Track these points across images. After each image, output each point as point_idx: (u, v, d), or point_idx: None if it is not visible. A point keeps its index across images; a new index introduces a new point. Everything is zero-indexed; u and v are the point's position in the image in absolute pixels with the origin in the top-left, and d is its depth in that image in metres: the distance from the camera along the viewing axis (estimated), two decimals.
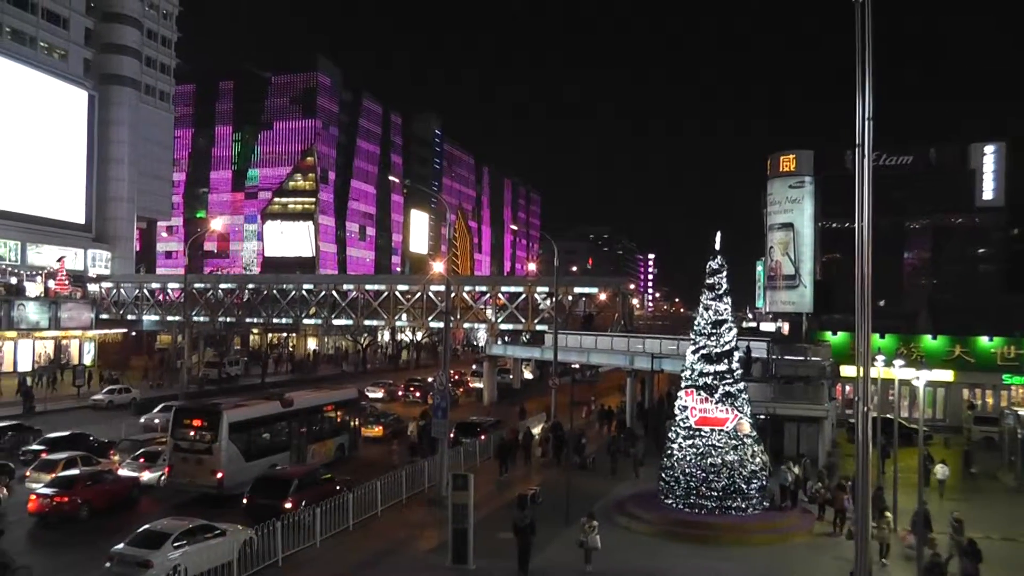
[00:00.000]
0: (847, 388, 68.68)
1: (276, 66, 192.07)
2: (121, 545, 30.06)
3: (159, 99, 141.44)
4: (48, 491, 38.51)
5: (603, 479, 48.43)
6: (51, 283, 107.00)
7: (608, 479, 48.59)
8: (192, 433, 43.83)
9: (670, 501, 38.92)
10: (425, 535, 36.86)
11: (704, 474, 37.84)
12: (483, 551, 32.55)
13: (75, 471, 41.54)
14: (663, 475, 39.69)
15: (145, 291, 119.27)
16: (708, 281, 40.16)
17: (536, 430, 60.95)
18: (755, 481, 38.03)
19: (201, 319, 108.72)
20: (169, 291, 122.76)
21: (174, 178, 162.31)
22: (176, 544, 29.84)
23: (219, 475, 42.36)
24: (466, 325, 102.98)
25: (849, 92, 20.49)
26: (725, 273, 40.13)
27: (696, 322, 40.33)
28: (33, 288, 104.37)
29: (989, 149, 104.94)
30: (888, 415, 45.49)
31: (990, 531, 33.61)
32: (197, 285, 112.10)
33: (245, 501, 38.12)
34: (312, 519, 34.33)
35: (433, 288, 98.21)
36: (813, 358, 60.92)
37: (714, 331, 39.04)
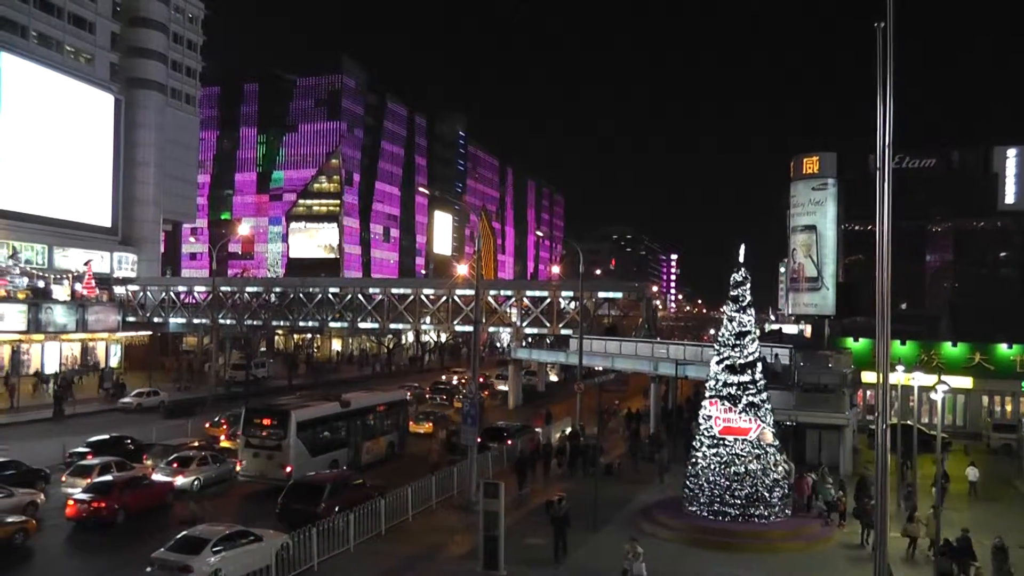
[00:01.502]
0: (868, 393, 68.92)
1: (301, 68, 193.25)
2: (161, 550, 30.79)
3: (184, 102, 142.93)
4: (85, 496, 39.06)
5: (628, 484, 49.04)
6: (78, 286, 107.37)
7: (633, 485, 49.18)
8: (262, 431, 48.05)
9: (694, 508, 39.66)
10: (456, 540, 37.49)
11: (728, 482, 38.60)
12: (512, 557, 33.25)
13: (111, 476, 42.02)
14: (687, 483, 40.49)
15: (171, 294, 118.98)
16: (732, 293, 41.04)
17: (555, 437, 61.43)
18: (777, 489, 38.81)
19: (228, 322, 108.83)
20: (196, 294, 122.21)
21: (198, 180, 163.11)
22: (215, 549, 30.50)
23: (288, 469, 45.93)
24: (491, 329, 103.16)
25: (871, 93, 20.90)
26: (748, 285, 40.98)
27: (720, 333, 41.25)
28: (60, 291, 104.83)
29: (1012, 152, 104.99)
30: (908, 421, 45.66)
31: (1006, 539, 33.83)
32: (224, 288, 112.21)
33: (278, 507, 38.78)
34: (346, 525, 34.93)
35: (458, 292, 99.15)
36: (835, 366, 61.51)
37: (738, 342, 39.81)
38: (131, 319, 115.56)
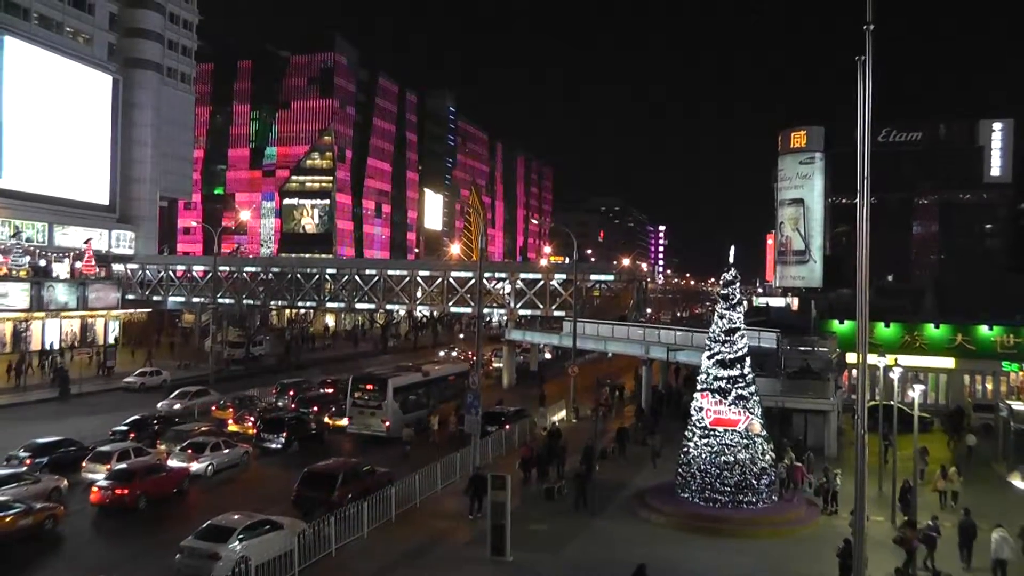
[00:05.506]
0: (853, 373, 70.09)
1: (294, 46, 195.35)
2: (190, 538, 32.28)
3: (180, 81, 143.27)
4: (108, 483, 40.45)
5: (621, 469, 50.90)
6: (78, 264, 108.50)
7: (625, 469, 51.06)
8: (366, 395, 59.95)
9: (686, 495, 41.69)
10: (461, 527, 39.07)
11: (718, 471, 40.63)
12: (517, 543, 34.87)
13: (126, 463, 43.45)
14: (680, 470, 42.50)
15: (170, 272, 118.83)
16: (722, 292, 43.25)
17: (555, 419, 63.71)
18: (765, 477, 40.94)
19: (226, 300, 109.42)
20: (194, 272, 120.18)
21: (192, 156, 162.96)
22: (240, 537, 32.05)
23: (387, 424, 58.62)
24: (484, 309, 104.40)
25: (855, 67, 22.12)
26: (738, 284, 42.97)
27: (711, 329, 43.05)
28: (60, 269, 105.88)
29: (997, 126, 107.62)
30: (890, 402, 47.06)
31: (980, 521, 35.51)
32: (222, 267, 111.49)
33: (294, 495, 40.37)
34: (360, 512, 36.29)
35: (453, 273, 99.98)
36: (820, 350, 63.80)
37: (728, 338, 41.76)
38: (130, 296, 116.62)
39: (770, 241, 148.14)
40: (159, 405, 64.67)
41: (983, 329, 74.09)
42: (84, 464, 45.48)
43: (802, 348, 63.84)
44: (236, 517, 33.97)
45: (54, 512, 37.53)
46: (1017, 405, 56.01)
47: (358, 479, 42.17)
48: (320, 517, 34.70)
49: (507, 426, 58.13)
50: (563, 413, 69.22)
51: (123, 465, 43.08)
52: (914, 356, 72.12)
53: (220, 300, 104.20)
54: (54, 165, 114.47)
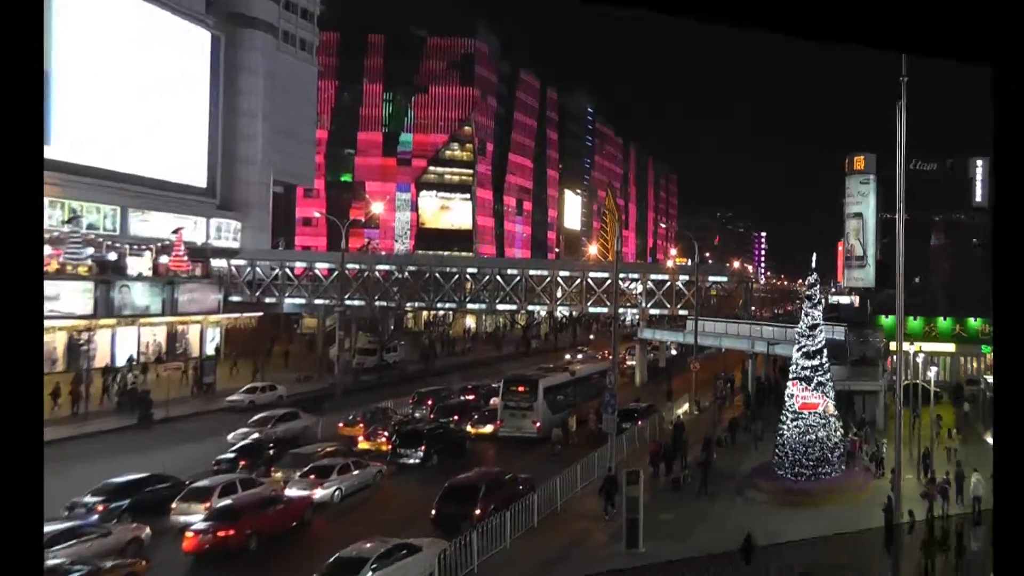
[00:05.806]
0: (893, 358, 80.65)
1: (431, 26, 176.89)
2: None
3: (300, 49, 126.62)
4: (206, 525, 35.06)
5: (732, 454, 56.59)
6: (164, 259, 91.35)
7: (735, 454, 56.56)
8: (517, 397, 61.04)
9: (781, 472, 49.39)
10: (599, 526, 40.23)
11: (804, 448, 48.64)
12: (648, 534, 36.58)
13: (231, 498, 38.28)
14: (776, 450, 50.42)
15: (287, 270, 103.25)
16: (807, 293, 53.52)
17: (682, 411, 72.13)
18: (836, 451, 49.47)
19: (355, 302, 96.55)
20: (316, 270, 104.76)
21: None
22: (374, 567, 29.74)
23: (537, 424, 59.76)
24: (619, 309, 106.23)
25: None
26: (819, 287, 53.26)
27: (799, 326, 52.11)
28: (138, 264, 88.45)
29: (980, 162, 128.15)
30: (916, 381, 61.60)
31: (967, 469, 45.42)
32: (351, 265, 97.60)
33: (433, 512, 38.71)
34: (502, 522, 35.63)
35: (590, 274, 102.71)
36: (874, 340, 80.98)
37: (811, 333, 50.22)
38: (235, 298, 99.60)
39: (840, 248, 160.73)
40: (229, 437, 54.79)
41: (971, 320, 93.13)
42: (174, 505, 38.85)
43: (860, 340, 79.05)
44: (368, 546, 31.42)
45: (132, 569, 31.84)
46: (990, 379, 71.44)
47: (501, 489, 41.10)
48: (463, 534, 33.41)
49: (639, 422, 61.72)
50: (686, 406, 75.43)
51: (227, 501, 37.69)
52: (931, 343, 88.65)
53: (348, 302, 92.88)
54: (130, 135, 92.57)
